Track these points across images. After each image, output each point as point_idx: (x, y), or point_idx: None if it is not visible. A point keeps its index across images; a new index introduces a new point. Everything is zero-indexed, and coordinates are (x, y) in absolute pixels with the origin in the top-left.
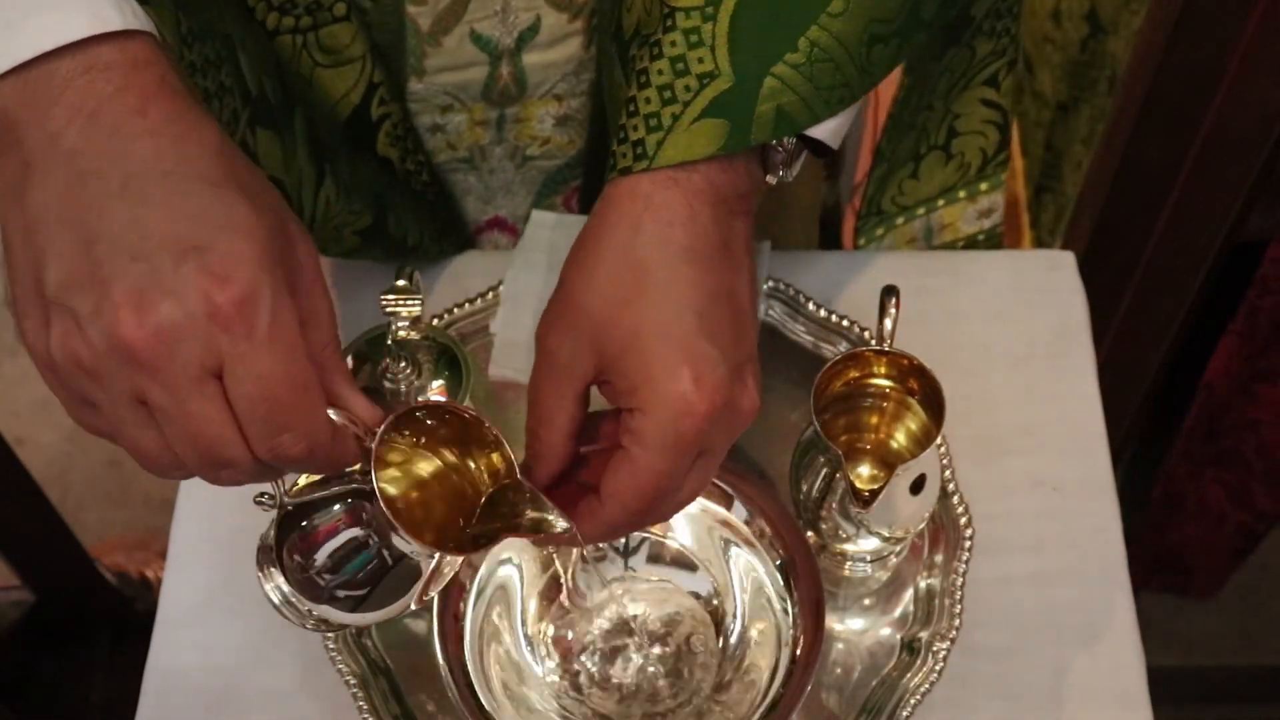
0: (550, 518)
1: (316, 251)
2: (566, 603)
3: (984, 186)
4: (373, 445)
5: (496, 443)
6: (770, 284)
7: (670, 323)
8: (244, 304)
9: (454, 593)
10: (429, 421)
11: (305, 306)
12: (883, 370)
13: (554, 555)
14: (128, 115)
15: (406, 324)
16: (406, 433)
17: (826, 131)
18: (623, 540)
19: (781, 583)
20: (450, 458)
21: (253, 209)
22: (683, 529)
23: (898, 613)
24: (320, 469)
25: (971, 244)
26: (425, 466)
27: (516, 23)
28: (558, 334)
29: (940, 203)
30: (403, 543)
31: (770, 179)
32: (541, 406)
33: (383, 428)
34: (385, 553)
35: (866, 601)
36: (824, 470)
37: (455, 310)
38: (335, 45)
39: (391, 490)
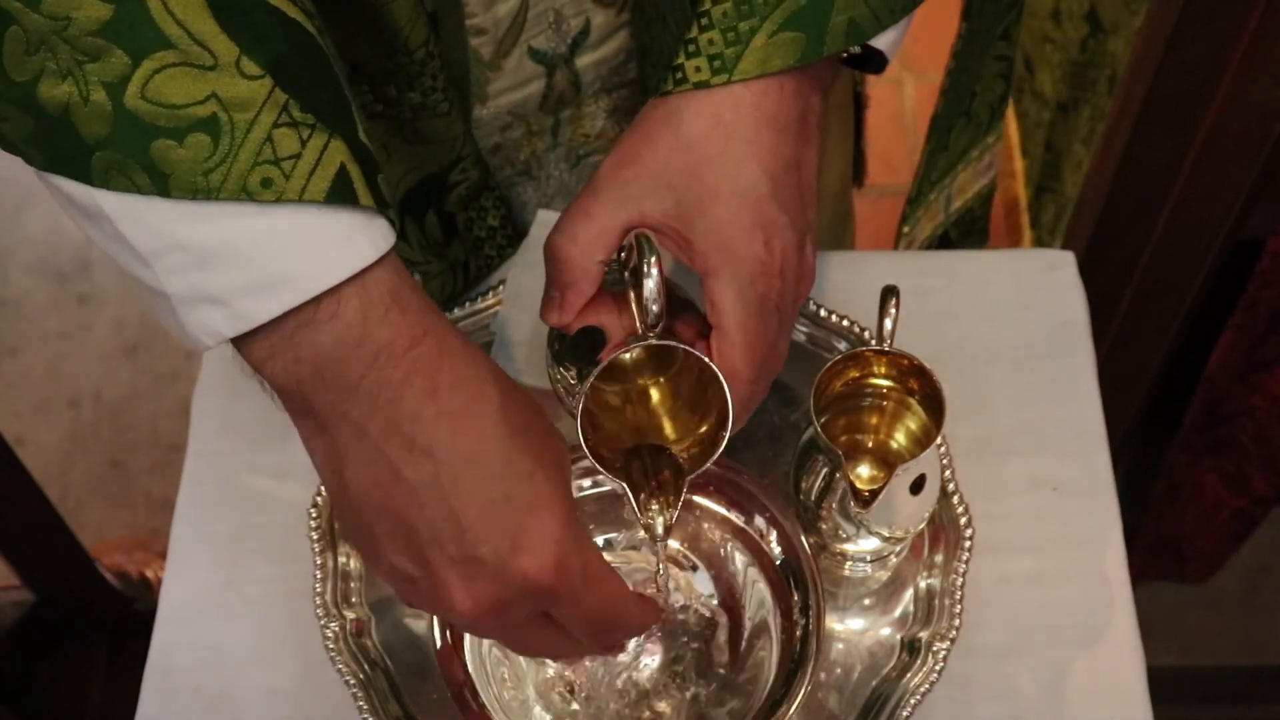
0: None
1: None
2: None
3: (990, 139)
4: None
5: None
6: None
7: (749, 186)
8: (562, 577)
9: None
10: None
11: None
12: (883, 370)
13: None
14: (421, 400)
15: None
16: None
17: (886, 43)
18: (623, 540)
19: (781, 583)
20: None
21: (546, 475)
22: (683, 529)
23: (898, 613)
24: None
25: (974, 205)
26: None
27: (569, 30)
28: (634, 168)
29: (960, 168)
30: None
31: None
32: (591, 224)
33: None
34: None
35: (866, 601)
36: (824, 470)
37: (455, 310)
38: (433, 133)
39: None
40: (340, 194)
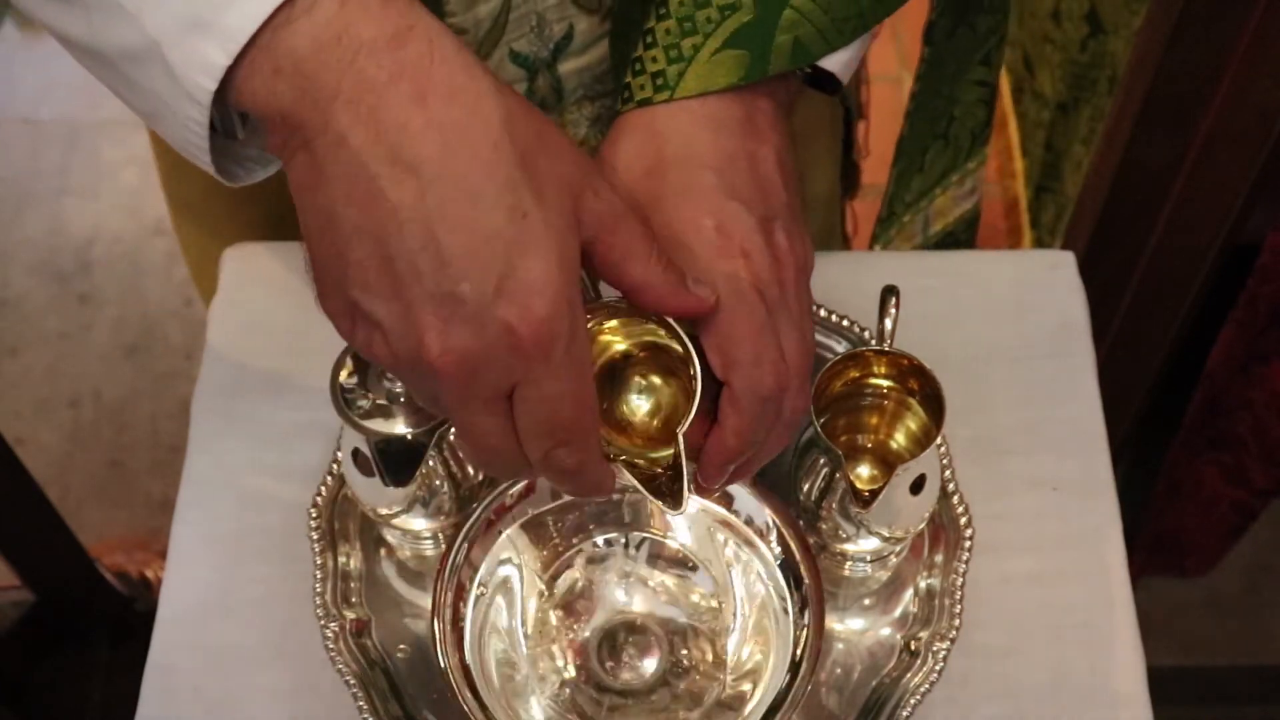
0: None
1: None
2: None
3: (971, 165)
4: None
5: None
6: None
7: (688, 184)
8: (543, 335)
9: (454, 593)
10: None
11: (619, 243)
12: (883, 370)
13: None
14: (409, 107)
15: None
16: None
17: (838, 64)
18: (623, 540)
19: (781, 583)
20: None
21: (546, 216)
22: (683, 529)
23: (898, 613)
24: (583, 488)
25: (956, 229)
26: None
27: (551, 35)
28: None
29: (937, 191)
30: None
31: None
32: None
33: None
34: None
35: (866, 601)
36: (824, 470)
37: None
38: None
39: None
40: None
